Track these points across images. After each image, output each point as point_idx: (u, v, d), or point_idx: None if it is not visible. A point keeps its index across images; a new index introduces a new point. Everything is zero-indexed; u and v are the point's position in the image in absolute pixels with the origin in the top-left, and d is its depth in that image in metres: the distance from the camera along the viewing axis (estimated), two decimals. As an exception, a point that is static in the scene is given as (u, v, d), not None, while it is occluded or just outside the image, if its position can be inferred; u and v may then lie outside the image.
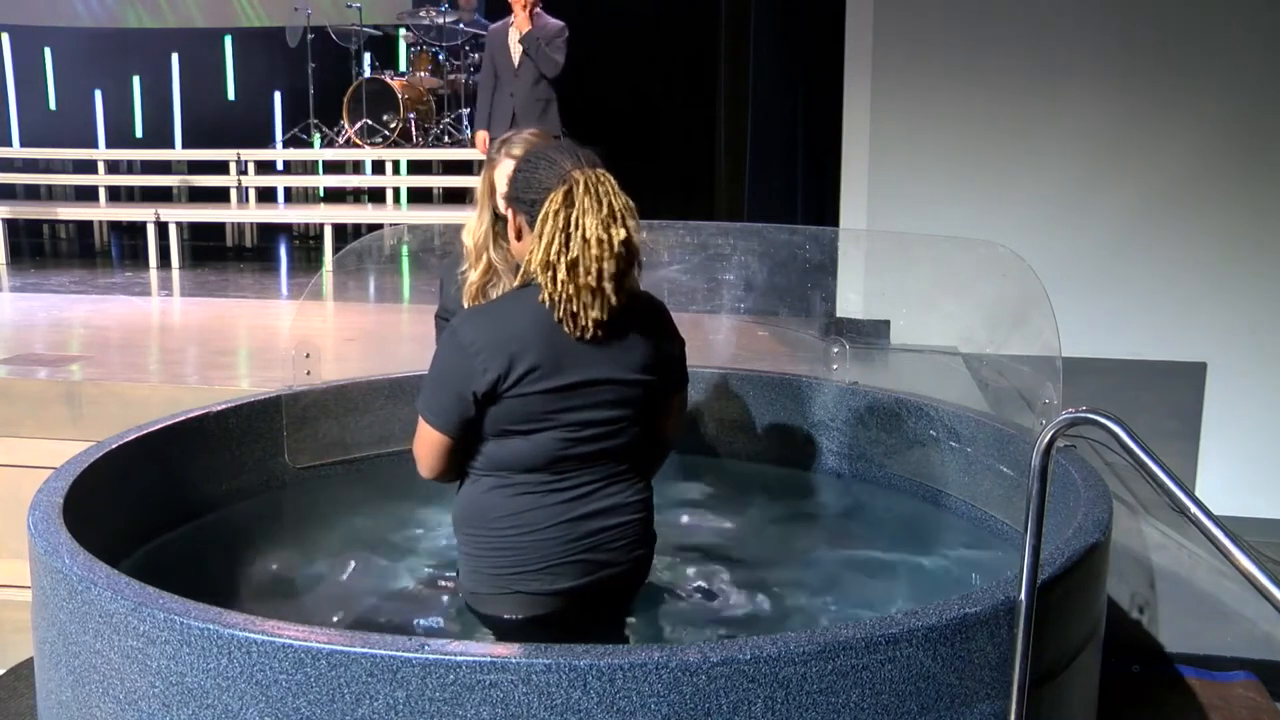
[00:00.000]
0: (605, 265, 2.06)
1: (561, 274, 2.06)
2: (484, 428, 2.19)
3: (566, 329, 2.11)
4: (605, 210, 2.07)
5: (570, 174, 2.10)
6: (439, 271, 3.03)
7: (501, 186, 2.55)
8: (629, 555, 2.29)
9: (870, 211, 5.21)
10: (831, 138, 5.62)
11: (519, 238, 2.24)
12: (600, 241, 2.05)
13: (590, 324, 2.10)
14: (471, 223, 2.75)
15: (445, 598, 2.62)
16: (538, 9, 6.55)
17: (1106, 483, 2.60)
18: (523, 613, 2.22)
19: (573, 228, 2.06)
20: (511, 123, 6.48)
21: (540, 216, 2.09)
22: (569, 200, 2.07)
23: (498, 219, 2.67)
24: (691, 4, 9.11)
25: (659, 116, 9.58)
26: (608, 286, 2.08)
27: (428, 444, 2.23)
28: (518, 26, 6.45)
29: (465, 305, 2.69)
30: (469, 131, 9.23)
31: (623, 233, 2.07)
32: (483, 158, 7.18)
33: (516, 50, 6.56)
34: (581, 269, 2.06)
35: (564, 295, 2.08)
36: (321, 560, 2.92)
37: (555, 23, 6.63)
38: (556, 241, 2.06)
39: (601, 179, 2.10)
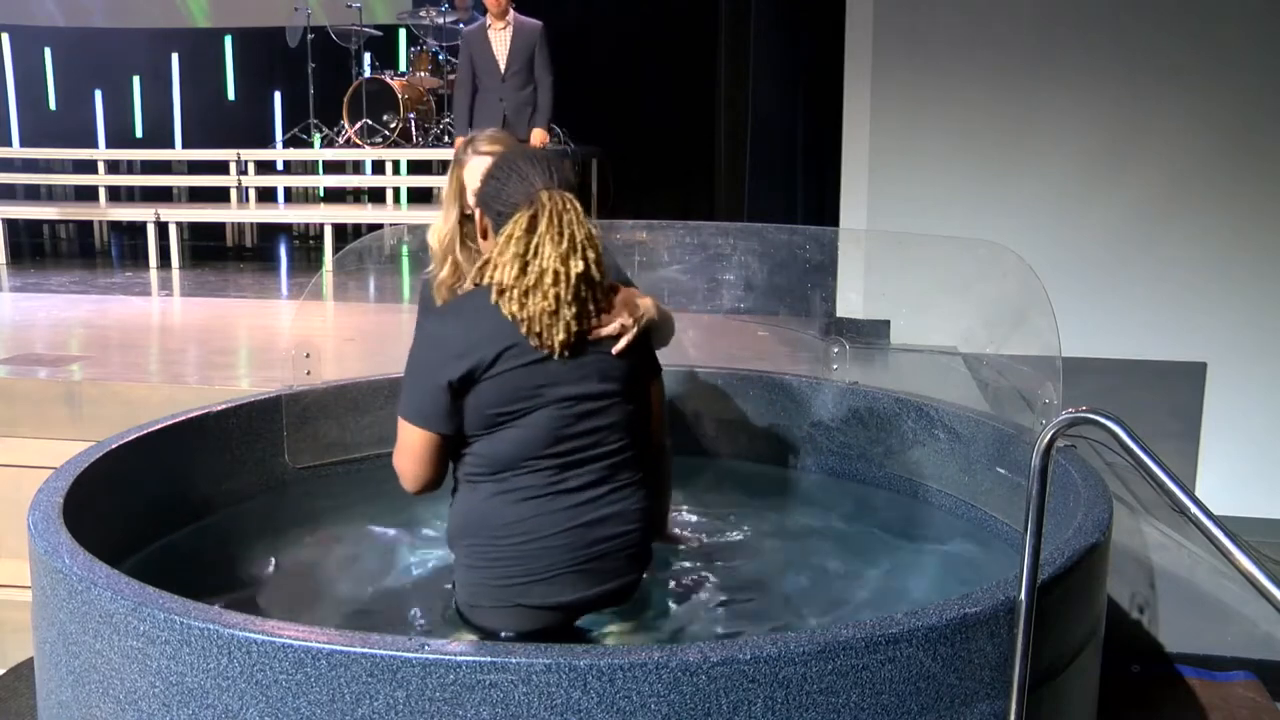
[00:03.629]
0: (562, 294, 2.08)
1: (517, 298, 2.09)
2: (472, 422, 2.14)
3: (533, 345, 2.11)
4: (566, 242, 2.08)
5: (537, 195, 2.10)
6: (419, 287, 3.02)
7: (472, 184, 2.56)
8: (629, 567, 2.26)
9: (870, 211, 5.21)
10: (831, 138, 5.63)
11: (484, 236, 2.25)
12: (557, 273, 2.07)
13: (556, 345, 2.11)
14: (438, 223, 2.74)
15: (445, 598, 2.62)
16: (512, 9, 6.52)
17: (1106, 483, 2.60)
18: (521, 627, 2.17)
19: (531, 255, 2.08)
20: (503, 126, 6.40)
21: (504, 237, 2.10)
22: (532, 226, 2.08)
23: (465, 220, 2.66)
24: (691, 4, 9.11)
25: (659, 117, 9.58)
26: (566, 313, 2.09)
27: (414, 449, 2.16)
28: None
29: (437, 303, 2.71)
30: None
31: (580, 265, 2.09)
32: None
33: (502, 53, 6.51)
34: (539, 294, 2.08)
35: (523, 318, 2.09)
36: (321, 560, 2.92)
37: (534, 23, 6.58)
38: (515, 267, 2.08)
39: (567, 206, 2.10)
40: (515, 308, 2.08)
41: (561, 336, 2.10)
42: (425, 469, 2.18)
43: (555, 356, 2.12)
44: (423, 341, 2.20)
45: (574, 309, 2.10)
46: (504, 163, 2.22)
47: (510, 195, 2.14)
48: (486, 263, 2.15)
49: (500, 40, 6.50)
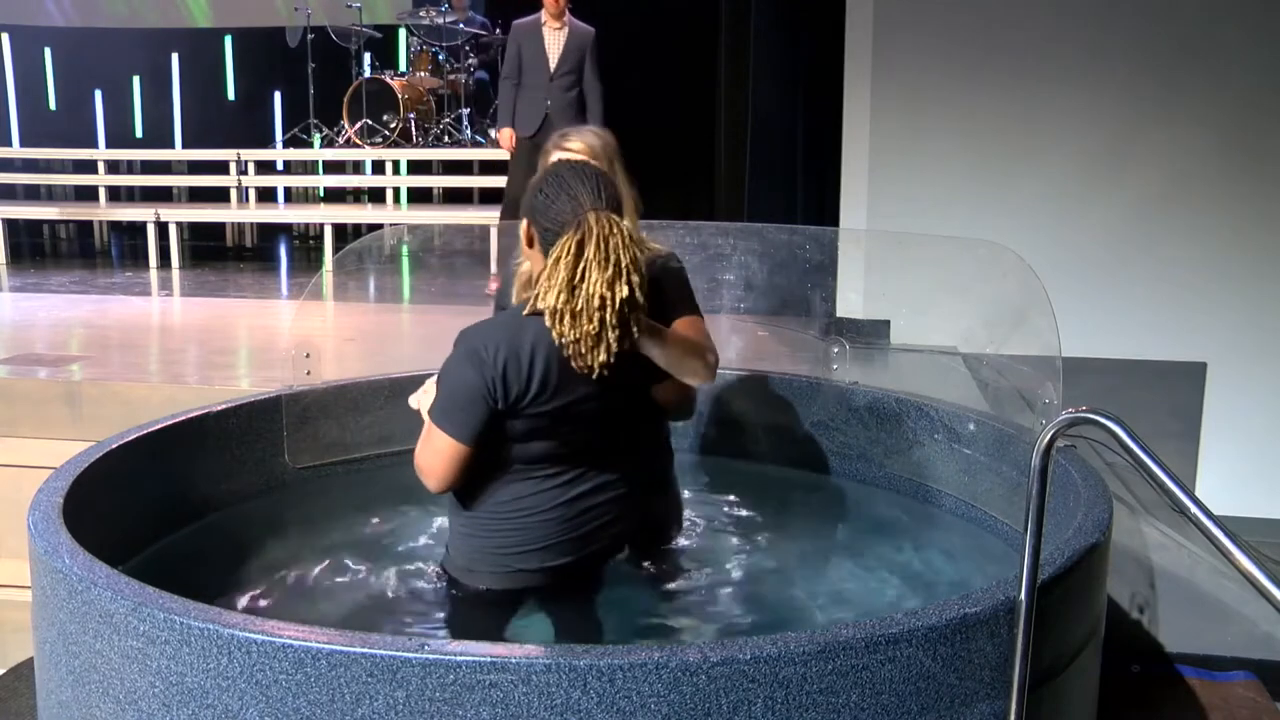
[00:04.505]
0: (608, 318, 2.12)
1: (567, 320, 2.14)
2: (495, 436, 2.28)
3: (575, 365, 2.19)
4: (611, 268, 2.12)
5: (585, 218, 2.14)
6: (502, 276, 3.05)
7: None
8: (616, 528, 2.46)
9: (870, 211, 5.21)
10: (831, 138, 5.62)
11: (530, 244, 2.31)
12: (603, 299, 2.11)
13: (596, 366, 2.17)
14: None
15: (446, 597, 2.62)
16: (568, 13, 6.42)
17: (1106, 483, 2.60)
18: (514, 586, 2.37)
19: (578, 280, 2.12)
20: (543, 124, 6.30)
21: (552, 259, 2.15)
22: (580, 250, 2.12)
23: None
24: (691, 4, 9.11)
25: (659, 117, 9.57)
26: (610, 335, 2.14)
27: (444, 456, 2.28)
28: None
29: (514, 294, 2.72)
30: (469, 131, 9.23)
31: (625, 290, 2.13)
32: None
33: (555, 52, 6.40)
34: (585, 317, 2.12)
35: (570, 340, 2.15)
36: (321, 560, 2.91)
37: (588, 28, 6.51)
38: (564, 291, 2.12)
39: (613, 230, 2.13)
40: (564, 329, 2.14)
41: (603, 358, 2.16)
42: (450, 474, 2.31)
43: (593, 375, 2.19)
44: (471, 358, 2.25)
45: (618, 332, 2.15)
46: (554, 178, 2.26)
47: (558, 213, 2.19)
48: (538, 287, 2.21)
49: (554, 40, 6.40)
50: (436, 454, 2.29)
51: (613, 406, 2.34)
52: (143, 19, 10.99)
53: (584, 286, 2.11)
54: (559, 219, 2.18)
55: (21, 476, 3.45)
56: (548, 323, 2.16)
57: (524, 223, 2.31)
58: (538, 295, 2.18)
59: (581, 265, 2.11)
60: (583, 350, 2.15)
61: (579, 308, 2.12)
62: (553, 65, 6.39)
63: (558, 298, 2.12)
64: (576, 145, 2.67)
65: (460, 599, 2.44)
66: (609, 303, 2.11)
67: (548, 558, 2.36)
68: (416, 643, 1.75)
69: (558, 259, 2.13)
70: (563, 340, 2.15)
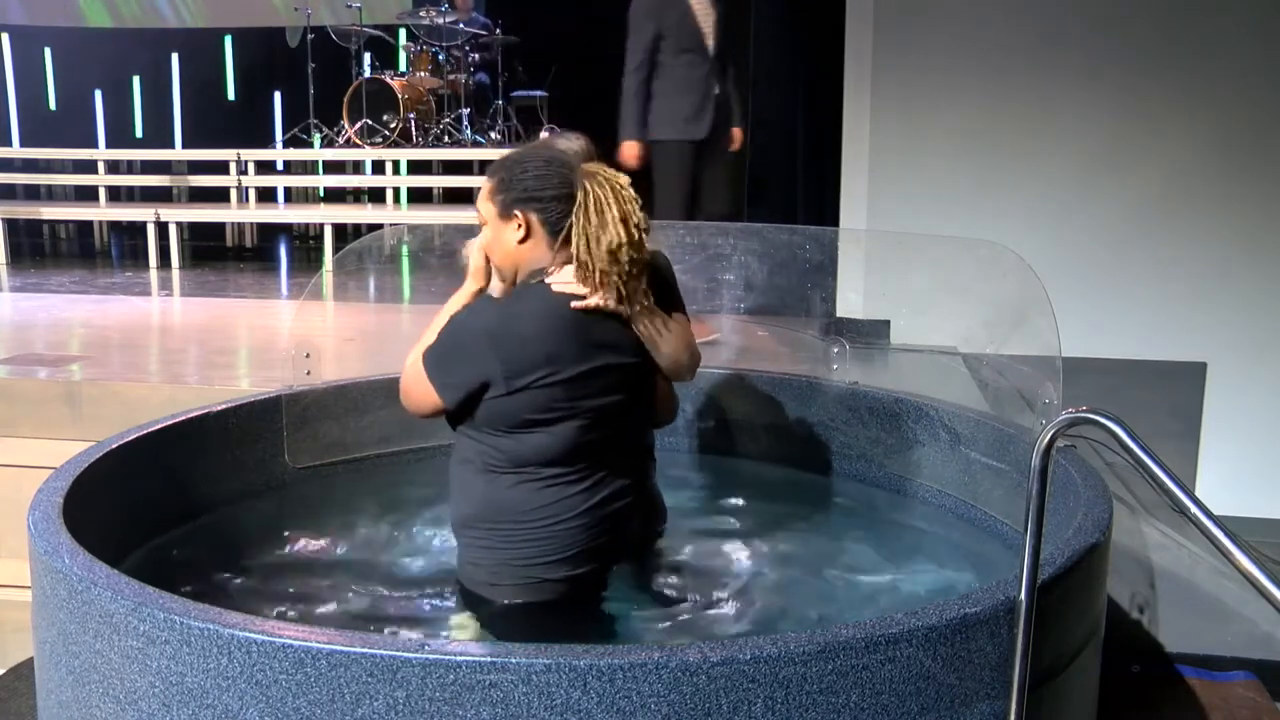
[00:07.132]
0: (622, 256, 2.24)
1: (603, 258, 2.25)
2: (501, 421, 2.29)
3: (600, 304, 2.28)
4: (626, 205, 2.27)
5: (586, 171, 2.28)
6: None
7: None
8: (628, 534, 2.50)
9: (870, 211, 5.21)
10: (831, 138, 5.62)
11: (527, 237, 2.33)
12: (636, 227, 2.26)
13: (613, 304, 2.29)
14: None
15: (447, 597, 2.62)
16: None
17: (1106, 483, 2.60)
18: (542, 598, 2.36)
19: (608, 217, 2.25)
20: (714, 130, 4.95)
21: (576, 210, 2.26)
22: (589, 203, 2.25)
23: None
24: (691, 4, 9.09)
25: (659, 116, 9.56)
26: (620, 275, 2.27)
27: (422, 401, 2.37)
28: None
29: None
30: (469, 131, 9.22)
31: (636, 234, 2.27)
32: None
33: (710, 25, 4.88)
34: (624, 254, 2.25)
35: (602, 281, 2.26)
36: (322, 560, 2.92)
37: None
38: (594, 230, 2.25)
39: (615, 183, 2.28)
40: (593, 271, 2.25)
41: (613, 302, 2.29)
42: (424, 411, 2.40)
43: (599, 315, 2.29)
44: (477, 333, 2.29)
45: (630, 269, 2.26)
46: (528, 157, 2.37)
47: (555, 177, 2.29)
48: (567, 246, 2.29)
49: (705, 9, 4.90)
50: (417, 396, 2.37)
51: (627, 384, 2.37)
52: (142, 19, 10.99)
53: (613, 224, 2.24)
54: (563, 181, 2.28)
55: (21, 476, 3.45)
56: (574, 275, 2.26)
57: (513, 223, 2.33)
58: (575, 249, 2.26)
59: (606, 210, 2.24)
60: (613, 281, 2.25)
61: (616, 242, 2.23)
62: (711, 42, 4.89)
63: (593, 238, 2.24)
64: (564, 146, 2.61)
65: (485, 615, 2.42)
66: (638, 233, 2.25)
67: (572, 566, 2.37)
68: (416, 643, 1.75)
69: (583, 206, 2.25)
70: (594, 281, 2.25)
